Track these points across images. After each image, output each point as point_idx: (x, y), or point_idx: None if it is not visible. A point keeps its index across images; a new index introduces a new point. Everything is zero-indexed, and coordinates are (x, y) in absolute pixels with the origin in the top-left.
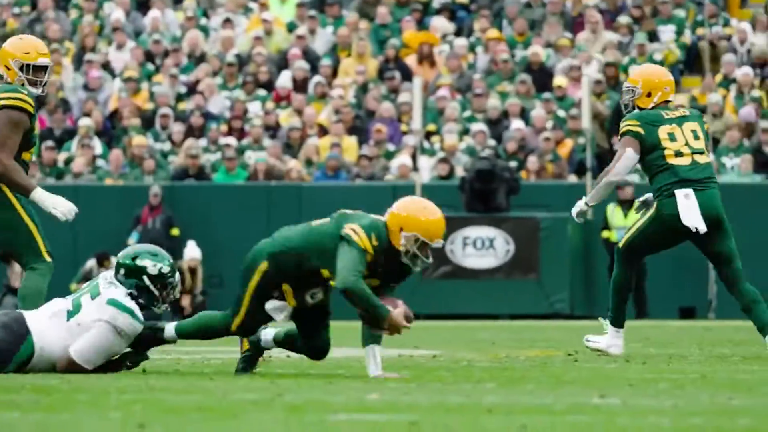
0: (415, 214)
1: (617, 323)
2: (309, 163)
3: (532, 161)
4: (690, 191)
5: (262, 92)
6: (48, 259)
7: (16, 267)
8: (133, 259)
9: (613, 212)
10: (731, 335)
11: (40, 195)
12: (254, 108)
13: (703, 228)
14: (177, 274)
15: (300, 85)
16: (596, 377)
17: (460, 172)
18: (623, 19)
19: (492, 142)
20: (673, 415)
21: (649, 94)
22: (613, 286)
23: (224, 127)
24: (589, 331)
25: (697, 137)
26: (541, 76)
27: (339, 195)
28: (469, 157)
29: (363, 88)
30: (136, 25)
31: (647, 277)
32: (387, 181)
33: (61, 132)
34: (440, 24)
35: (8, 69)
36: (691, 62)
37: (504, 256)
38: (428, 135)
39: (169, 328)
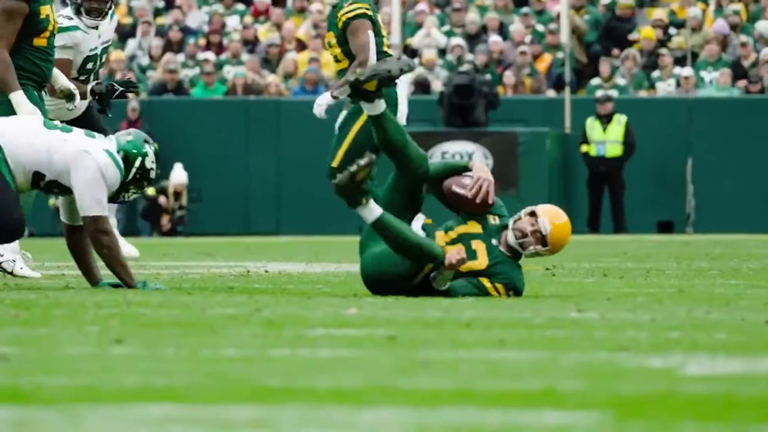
0: (558, 219)
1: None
2: (287, 77)
3: (509, 75)
4: (404, 79)
5: (240, 6)
6: None
7: None
8: (146, 141)
9: (593, 126)
10: (709, 249)
11: (18, 98)
12: (233, 22)
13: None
14: (146, 189)
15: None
16: (574, 292)
17: (438, 86)
18: None
19: (470, 57)
20: (651, 329)
21: None
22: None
23: (203, 42)
24: (569, 247)
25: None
26: None
27: None
28: (447, 72)
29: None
30: None
31: (625, 191)
32: None
33: None
34: None
35: None
36: None
37: None
38: (406, 49)
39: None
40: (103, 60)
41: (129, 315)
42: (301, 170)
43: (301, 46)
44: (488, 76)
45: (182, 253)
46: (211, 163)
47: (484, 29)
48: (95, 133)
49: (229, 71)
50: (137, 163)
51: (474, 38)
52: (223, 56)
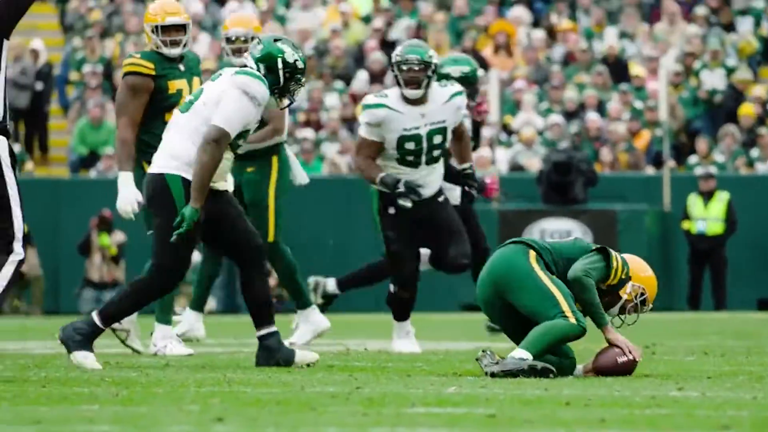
0: (644, 271)
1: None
2: None
3: (606, 152)
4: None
5: (339, 84)
6: None
7: (95, 259)
8: (275, 41)
9: (694, 203)
10: None
11: (120, 179)
12: (331, 101)
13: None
14: (304, 78)
15: (377, 77)
16: (674, 370)
17: (537, 164)
18: (700, 10)
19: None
20: (752, 408)
21: None
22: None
23: (301, 119)
24: (669, 325)
25: None
26: (618, 68)
27: None
28: (546, 149)
29: None
30: (214, 17)
31: (727, 268)
32: None
33: None
34: (518, 14)
35: (147, 34)
36: None
37: None
38: (505, 127)
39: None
40: (435, 142)
41: (230, 393)
42: None
43: None
44: (586, 153)
45: (282, 331)
46: (311, 241)
47: (582, 106)
48: (218, 74)
49: (328, 148)
50: (279, 64)
51: (572, 115)
52: (322, 134)
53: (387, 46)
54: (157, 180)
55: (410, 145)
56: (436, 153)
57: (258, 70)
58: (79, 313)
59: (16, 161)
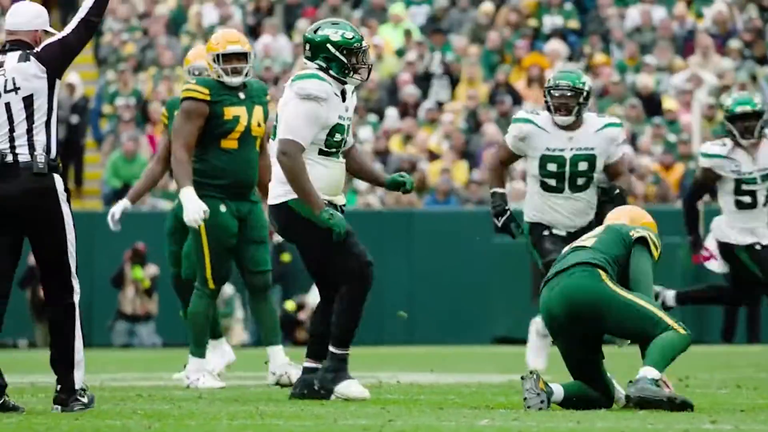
0: (646, 217)
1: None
2: (419, 188)
3: (639, 185)
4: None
5: (372, 117)
6: (211, 285)
7: (128, 292)
8: (315, 31)
9: None
10: None
11: (182, 195)
12: (365, 134)
13: None
14: (364, 41)
15: (410, 110)
16: (708, 403)
17: None
18: (734, 44)
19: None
20: None
21: None
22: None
23: None
24: (702, 358)
25: None
26: (651, 101)
27: (449, 220)
28: None
29: (473, 113)
30: None
31: (761, 301)
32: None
33: None
34: (553, 47)
35: (209, 64)
36: None
37: None
38: None
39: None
40: (580, 168)
41: (262, 426)
42: (433, 280)
43: (433, 156)
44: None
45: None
46: None
47: None
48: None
49: (361, 182)
50: (331, 48)
51: None
52: None
53: (421, 79)
54: (283, 210)
55: (552, 167)
56: (580, 181)
57: (320, 66)
58: (112, 345)
59: (69, 196)
